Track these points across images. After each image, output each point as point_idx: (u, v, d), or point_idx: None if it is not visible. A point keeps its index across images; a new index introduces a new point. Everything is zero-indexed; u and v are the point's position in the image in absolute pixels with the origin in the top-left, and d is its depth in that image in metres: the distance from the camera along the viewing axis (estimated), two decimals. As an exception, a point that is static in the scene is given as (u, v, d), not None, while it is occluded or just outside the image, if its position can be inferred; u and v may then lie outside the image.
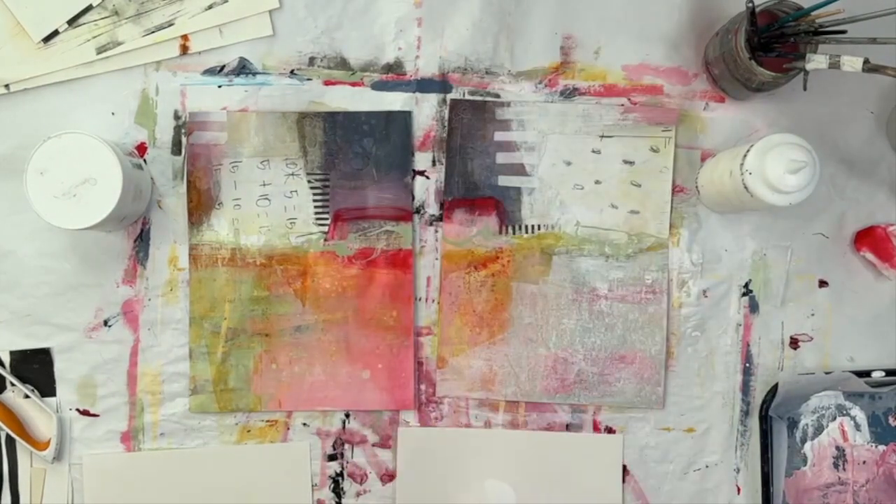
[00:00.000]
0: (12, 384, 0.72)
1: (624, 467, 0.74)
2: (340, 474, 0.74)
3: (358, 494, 0.74)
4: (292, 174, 0.74)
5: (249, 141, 0.73)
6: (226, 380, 0.73)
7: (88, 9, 0.73)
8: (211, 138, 0.73)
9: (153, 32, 0.73)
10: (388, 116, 0.74)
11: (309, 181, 0.74)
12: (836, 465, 0.72)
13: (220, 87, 0.74)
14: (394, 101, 0.74)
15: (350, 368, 0.74)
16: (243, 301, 0.73)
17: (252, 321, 0.73)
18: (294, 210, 0.74)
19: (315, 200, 0.74)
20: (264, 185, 0.74)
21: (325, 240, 0.74)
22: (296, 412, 0.74)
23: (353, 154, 0.74)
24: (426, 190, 0.74)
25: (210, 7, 0.73)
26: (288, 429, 0.74)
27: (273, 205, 0.74)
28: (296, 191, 0.74)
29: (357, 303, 0.74)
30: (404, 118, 0.74)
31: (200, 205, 0.74)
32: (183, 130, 0.74)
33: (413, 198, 0.74)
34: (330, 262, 0.74)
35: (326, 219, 0.74)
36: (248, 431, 0.74)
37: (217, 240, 0.74)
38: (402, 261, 0.74)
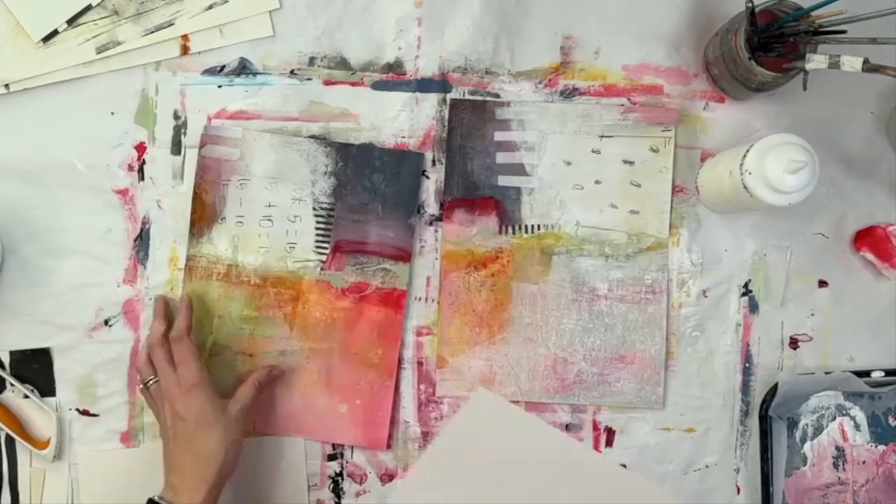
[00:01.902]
0: (12, 384, 0.72)
1: (624, 467, 0.74)
2: (340, 474, 0.74)
3: (358, 494, 0.74)
4: (299, 199, 0.73)
5: (261, 161, 0.73)
6: None
7: (88, 9, 0.73)
8: (223, 153, 0.73)
9: (153, 32, 0.73)
10: (401, 155, 0.73)
11: (314, 208, 0.73)
12: (835, 465, 0.72)
13: (220, 87, 0.74)
14: (394, 100, 0.74)
15: (328, 400, 0.73)
16: (232, 318, 0.73)
17: (238, 339, 0.73)
18: (295, 235, 0.73)
19: (317, 228, 0.73)
20: (269, 206, 0.73)
21: (322, 269, 0.73)
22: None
23: (361, 188, 0.73)
24: (426, 190, 0.74)
25: (210, 7, 0.73)
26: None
27: (275, 227, 0.73)
28: (300, 216, 0.73)
29: (344, 336, 0.73)
30: (417, 160, 0.73)
31: (203, 217, 0.73)
32: (183, 130, 0.73)
33: (414, 243, 0.74)
34: (323, 292, 0.73)
35: (326, 248, 0.73)
36: (248, 432, 0.73)
37: (215, 254, 0.73)
38: (395, 301, 0.73)
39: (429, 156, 0.74)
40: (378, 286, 0.73)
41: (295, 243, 0.73)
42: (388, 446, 0.73)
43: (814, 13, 0.64)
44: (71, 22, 0.73)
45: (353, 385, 0.73)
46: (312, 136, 0.73)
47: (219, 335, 0.73)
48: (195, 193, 0.73)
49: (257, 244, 0.73)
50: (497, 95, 0.74)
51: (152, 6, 0.73)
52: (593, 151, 0.74)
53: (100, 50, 0.73)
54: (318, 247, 0.74)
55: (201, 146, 0.73)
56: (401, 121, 0.74)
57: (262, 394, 0.70)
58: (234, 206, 0.73)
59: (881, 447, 0.72)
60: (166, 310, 0.71)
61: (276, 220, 0.74)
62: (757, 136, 0.72)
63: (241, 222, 0.74)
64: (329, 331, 0.73)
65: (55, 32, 0.72)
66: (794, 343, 0.74)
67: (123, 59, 0.73)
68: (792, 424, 0.73)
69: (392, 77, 0.74)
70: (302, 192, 0.73)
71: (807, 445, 0.72)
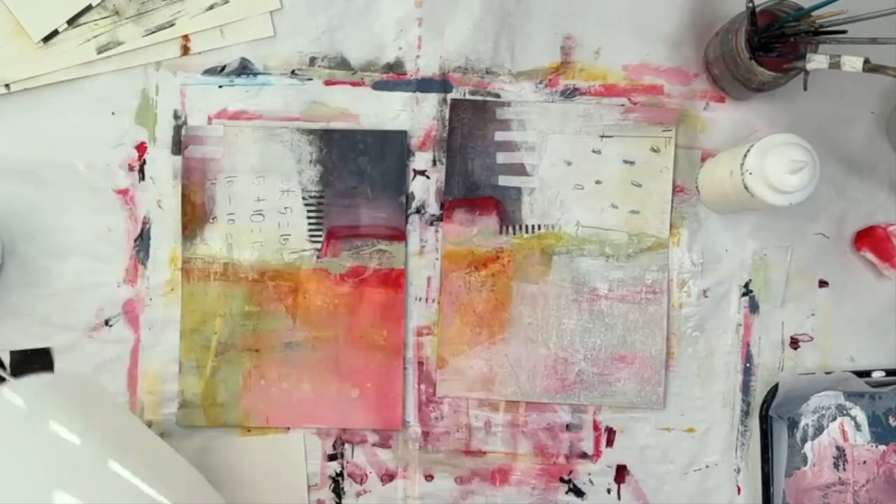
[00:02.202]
0: (12, 384, 0.72)
1: (624, 467, 0.74)
2: (340, 474, 0.74)
3: (358, 494, 0.74)
4: (287, 191, 0.73)
5: (246, 156, 0.73)
6: (214, 395, 0.73)
7: (88, 9, 0.73)
8: (207, 152, 0.73)
9: (154, 32, 0.73)
10: (385, 136, 0.73)
11: (304, 198, 0.73)
12: (836, 465, 0.72)
13: (220, 87, 0.74)
14: (394, 100, 0.74)
15: (339, 387, 0.73)
16: (234, 316, 0.73)
17: (243, 336, 0.73)
18: (288, 226, 0.73)
19: (309, 217, 0.74)
20: (259, 200, 0.74)
21: (318, 257, 0.73)
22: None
23: (348, 172, 0.73)
24: (426, 190, 0.74)
25: (211, 7, 0.73)
26: (288, 428, 0.74)
27: (267, 220, 0.74)
28: (290, 207, 0.74)
29: (348, 321, 0.73)
30: (400, 138, 0.73)
31: (195, 218, 0.73)
32: (183, 130, 0.74)
33: (406, 219, 0.74)
34: (322, 280, 0.73)
35: (320, 236, 0.73)
36: (249, 430, 0.73)
37: (210, 254, 0.73)
38: (394, 280, 0.73)
39: (429, 156, 0.74)
40: (376, 267, 0.73)
41: (289, 235, 0.73)
42: (403, 424, 0.73)
43: (814, 13, 0.64)
44: (71, 22, 0.73)
45: (362, 368, 0.73)
46: (294, 127, 0.73)
47: (223, 334, 0.73)
48: (183, 196, 0.73)
49: (251, 240, 0.73)
50: (497, 95, 0.74)
51: (153, 6, 0.73)
52: (594, 151, 0.74)
53: (100, 50, 0.73)
54: (311, 236, 0.74)
55: (183, 148, 0.73)
56: (401, 121, 0.74)
57: None
58: (224, 204, 0.73)
59: (882, 447, 0.72)
60: None
61: (267, 214, 0.74)
62: (757, 136, 0.72)
63: (232, 220, 0.74)
64: (332, 318, 0.73)
65: (55, 32, 0.72)
66: (794, 343, 0.74)
67: (124, 60, 0.73)
68: (792, 424, 0.73)
69: (392, 77, 0.74)
70: (290, 183, 0.73)
71: (807, 445, 0.72)
